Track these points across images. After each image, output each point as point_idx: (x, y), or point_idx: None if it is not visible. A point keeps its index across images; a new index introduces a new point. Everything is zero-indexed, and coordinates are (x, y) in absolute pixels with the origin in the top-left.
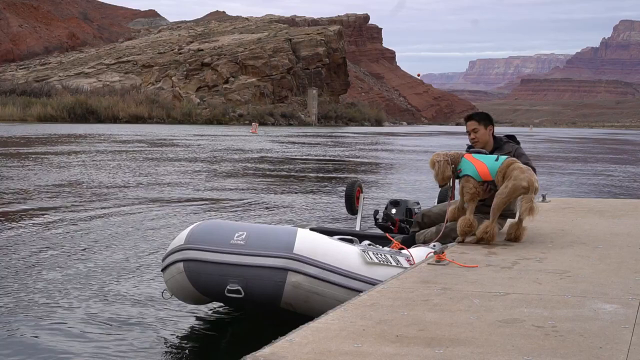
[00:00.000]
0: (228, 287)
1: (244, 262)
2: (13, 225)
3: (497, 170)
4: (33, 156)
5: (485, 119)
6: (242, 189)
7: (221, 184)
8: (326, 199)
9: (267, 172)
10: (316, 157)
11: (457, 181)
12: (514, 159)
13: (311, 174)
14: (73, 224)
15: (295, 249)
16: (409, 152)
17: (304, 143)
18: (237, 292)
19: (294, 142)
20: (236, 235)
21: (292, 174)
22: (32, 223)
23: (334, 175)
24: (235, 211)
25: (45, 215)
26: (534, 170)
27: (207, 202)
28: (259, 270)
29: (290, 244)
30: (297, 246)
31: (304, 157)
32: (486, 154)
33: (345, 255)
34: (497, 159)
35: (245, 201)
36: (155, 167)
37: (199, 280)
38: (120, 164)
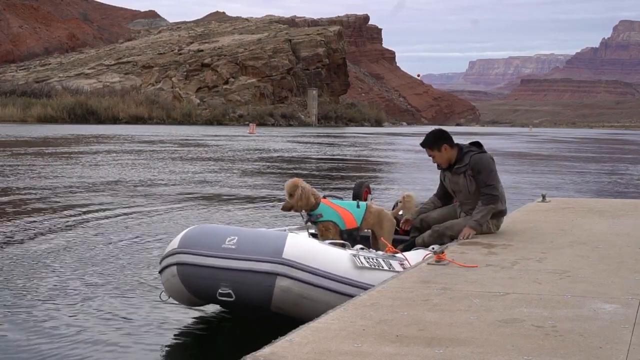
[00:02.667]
0: (219, 290)
1: (234, 266)
2: (51, 222)
3: (364, 218)
4: (65, 156)
5: (437, 141)
6: (262, 186)
7: (247, 181)
8: (341, 195)
9: (288, 171)
10: (331, 157)
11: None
12: (373, 207)
13: (333, 173)
14: (119, 220)
15: (285, 254)
16: (416, 152)
17: (319, 143)
18: (228, 295)
19: (308, 142)
20: (227, 239)
21: (311, 172)
22: (67, 218)
23: (349, 173)
24: (255, 208)
25: (85, 211)
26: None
27: (235, 198)
28: (248, 274)
29: (280, 249)
30: (287, 251)
31: (319, 156)
32: (341, 199)
33: (335, 259)
34: (357, 206)
35: (263, 198)
36: (184, 166)
37: (192, 284)
38: (149, 163)
